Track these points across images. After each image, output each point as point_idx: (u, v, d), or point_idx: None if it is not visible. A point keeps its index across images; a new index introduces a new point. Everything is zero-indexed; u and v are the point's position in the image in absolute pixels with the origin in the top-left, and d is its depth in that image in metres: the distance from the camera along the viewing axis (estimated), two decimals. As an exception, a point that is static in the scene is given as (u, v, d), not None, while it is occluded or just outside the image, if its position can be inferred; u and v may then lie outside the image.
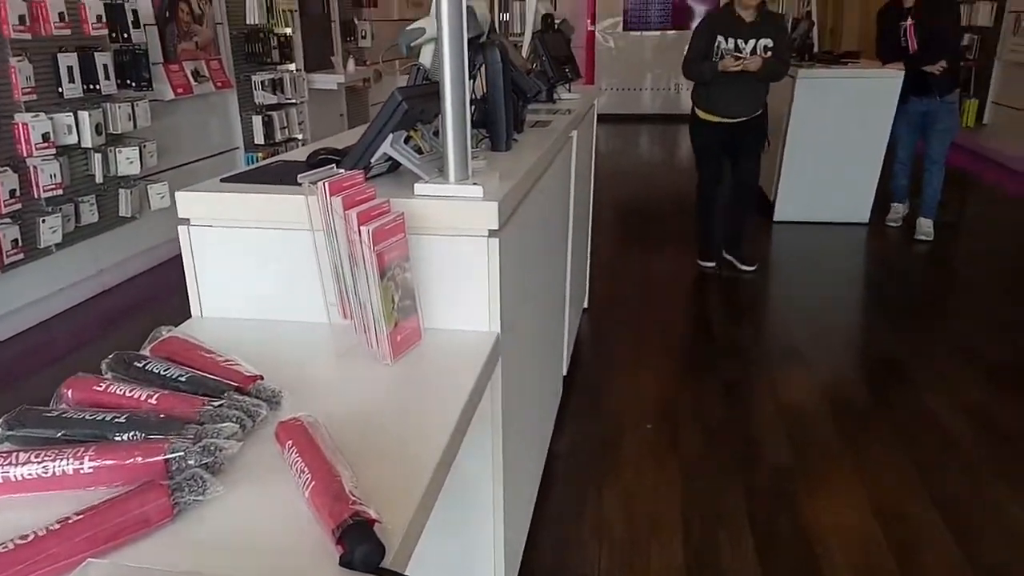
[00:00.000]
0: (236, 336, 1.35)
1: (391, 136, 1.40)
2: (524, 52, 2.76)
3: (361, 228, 1.21)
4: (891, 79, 4.68)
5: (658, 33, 10.25)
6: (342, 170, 1.31)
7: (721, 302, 3.92)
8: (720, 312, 3.80)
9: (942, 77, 4.48)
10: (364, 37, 6.73)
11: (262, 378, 1.11)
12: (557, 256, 2.50)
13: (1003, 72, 7.08)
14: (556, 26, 2.85)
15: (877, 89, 4.75)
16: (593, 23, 10.27)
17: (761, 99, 4.01)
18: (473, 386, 1.20)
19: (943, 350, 3.30)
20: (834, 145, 4.95)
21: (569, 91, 3.05)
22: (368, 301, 1.26)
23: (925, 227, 4.83)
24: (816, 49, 5.47)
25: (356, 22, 6.72)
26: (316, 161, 1.54)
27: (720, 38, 3.86)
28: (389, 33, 7.60)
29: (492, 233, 1.37)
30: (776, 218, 5.23)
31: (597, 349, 3.38)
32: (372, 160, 1.44)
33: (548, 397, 2.47)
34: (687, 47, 4.02)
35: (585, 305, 3.75)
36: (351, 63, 6.11)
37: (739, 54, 3.81)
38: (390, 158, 1.47)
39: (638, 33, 10.28)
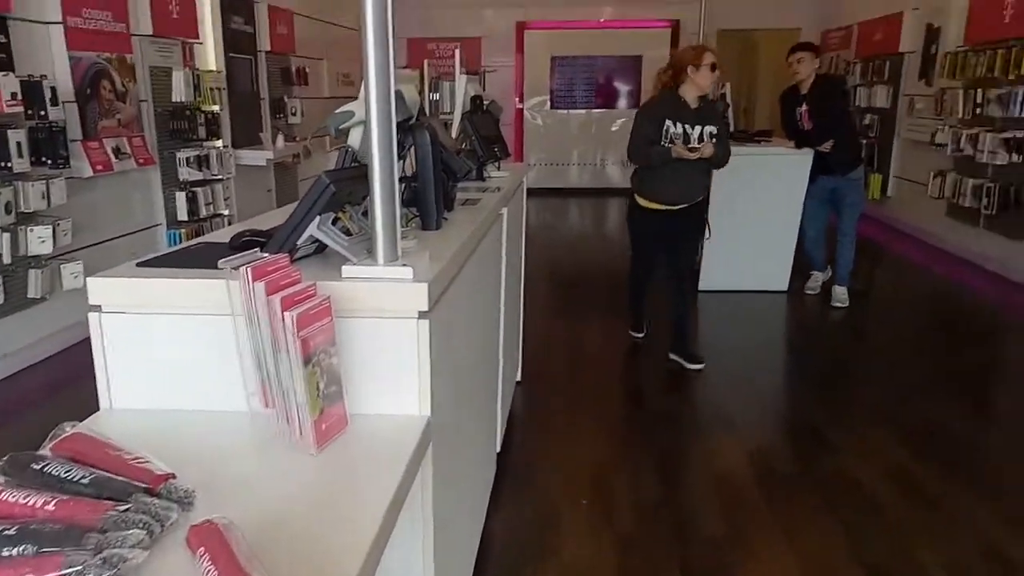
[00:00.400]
0: (148, 430, 1.28)
1: (318, 218, 1.39)
2: (454, 132, 2.81)
3: (285, 314, 1.17)
4: (801, 157, 4.97)
5: (583, 111, 10.67)
6: (266, 254, 1.28)
7: (653, 371, 3.96)
8: (652, 381, 3.84)
9: (842, 157, 4.81)
10: (294, 114, 6.76)
11: (174, 476, 1.04)
12: (490, 332, 2.49)
13: (902, 149, 7.63)
14: (485, 107, 2.93)
15: (789, 166, 5.02)
16: (521, 101, 10.62)
17: (705, 186, 3.95)
18: (402, 477, 1.16)
19: (861, 414, 3.41)
20: (753, 218, 5.18)
21: (499, 169, 3.10)
22: (291, 389, 1.21)
23: (840, 295, 5.06)
24: (732, 128, 5.77)
25: (286, 99, 6.75)
26: (239, 244, 1.50)
27: (668, 123, 3.69)
28: (319, 110, 7.66)
29: (422, 315, 1.35)
30: (701, 287, 5.38)
31: (531, 423, 3.35)
32: (298, 242, 1.42)
33: (481, 477, 2.42)
34: (631, 131, 3.79)
35: (518, 378, 3.74)
36: (280, 139, 6.11)
37: (695, 144, 3.69)
38: (317, 240, 1.46)
39: (565, 111, 10.67)
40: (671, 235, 3.87)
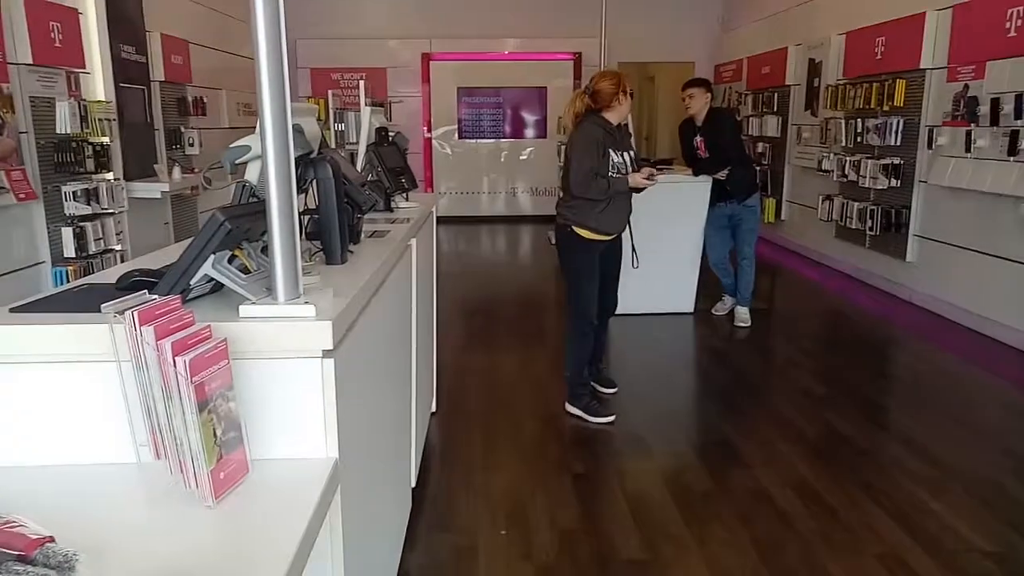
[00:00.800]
0: (25, 489, 1.18)
1: (213, 256, 1.33)
2: (359, 163, 2.78)
3: (176, 359, 1.11)
4: (702, 184, 5.17)
5: (492, 141, 10.79)
6: (155, 296, 1.21)
7: (566, 394, 3.98)
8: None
9: (738, 184, 5.05)
10: (191, 144, 6.52)
11: (52, 539, 0.96)
12: (401, 365, 2.44)
13: (793, 175, 8.07)
14: (391, 138, 2.91)
15: (690, 192, 5.22)
16: (429, 131, 10.64)
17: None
18: (308, 524, 1.11)
19: (768, 428, 3.53)
20: (657, 243, 5.31)
21: (407, 200, 3.08)
22: (185, 438, 1.15)
23: (742, 315, 5.27)
24: (635, 156, 5.95)
25: (183, 130, 6.51)
26: (127, 284, 1.42)
27: (611, 152, 3.55)
28: (219, 140, 7.42)
29: (326, 353, 1.31)
30: (612, 312, 5.48)
31: (447, 454, 3.30)
32: (192, 282, 1.35)
33: (396, 514, 2.35)
34: (573, 165, 3.54)
35: (433, 409, 3.69)
36: (177, 171, 5.87)
37: (654, 172, 3.65)
38: (212, 278, 1.39)
39: (473, 141, 10.76)
40: (612, 265, 3.77)
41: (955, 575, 2.35)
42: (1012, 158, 4.51)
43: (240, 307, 1.32)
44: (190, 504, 1.14)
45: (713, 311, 5.49)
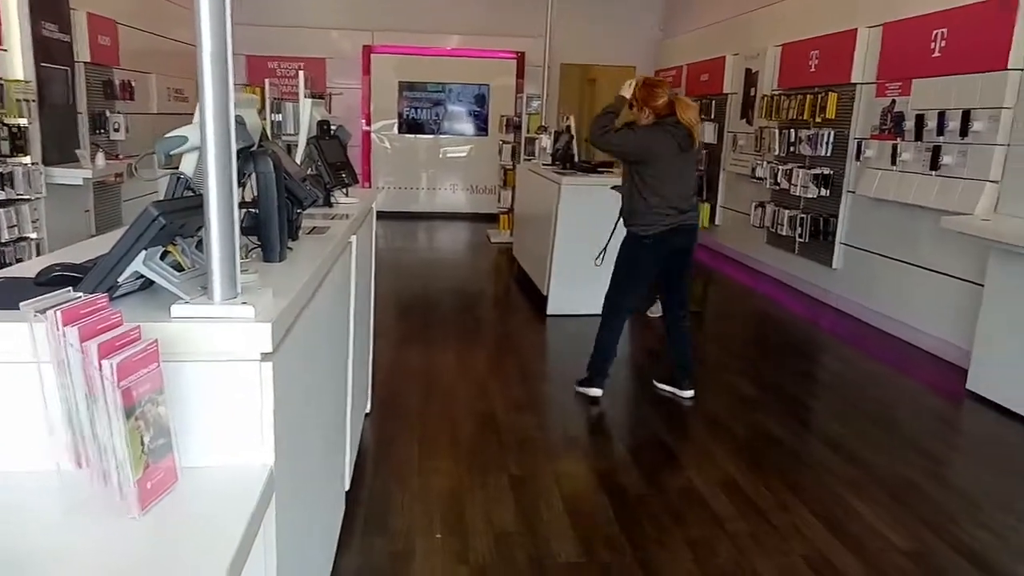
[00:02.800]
0: (-71, 501, 1.09)
1: (144, 253, 1.26)
2: (299, 157, 2.70)
3: (103, 362, 1.05)
4: (639, 186, 5.24)
5: (432, 137, 10.69)
6: (80, 294, 1.14)
7: (505, 394, 3.98)
8: (505, 404, 3.85)
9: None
10: (117, 130, 6.24)
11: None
12: (338, 366, 2.39)
13: (727, 181, 8.28)
14: (332, 132, 2.83)
15: (628, 195, 5.28)
16: (369, 124, 10.47)
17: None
18: (242, 536, 1.06)
19: (700, 430, 3.61)
20: (595, 245, 5.37)
21: (347, 195, 3.01)
22: (110, 445, 1.08)
23: (677, 317, 5.37)
24: (576, 159, 6.00)
25: (108, 114, 6.22)
26: (48, 280, 1.33)
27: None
28: (148, 126, 7.13)
29: (265, 356, 1.26)
30: (549, 312, 5.51)
31: (382, 456, 3.25)
32: (120, 279, 1.28)
33: (330, 518, 2.30)
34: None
35: (368, 409, 3.62)
36: (101, 157, 5.60)
37: None
38: (143, 275, 1.32)
39: (413, 136, 10.64)
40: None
41: (876, 574, 2.44)
42: (934, 172, 4.74)
43: (172, 307, 1.25)
44: (114, 516, 1.08)
45: (648, 313, 5.58)
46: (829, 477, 3.12)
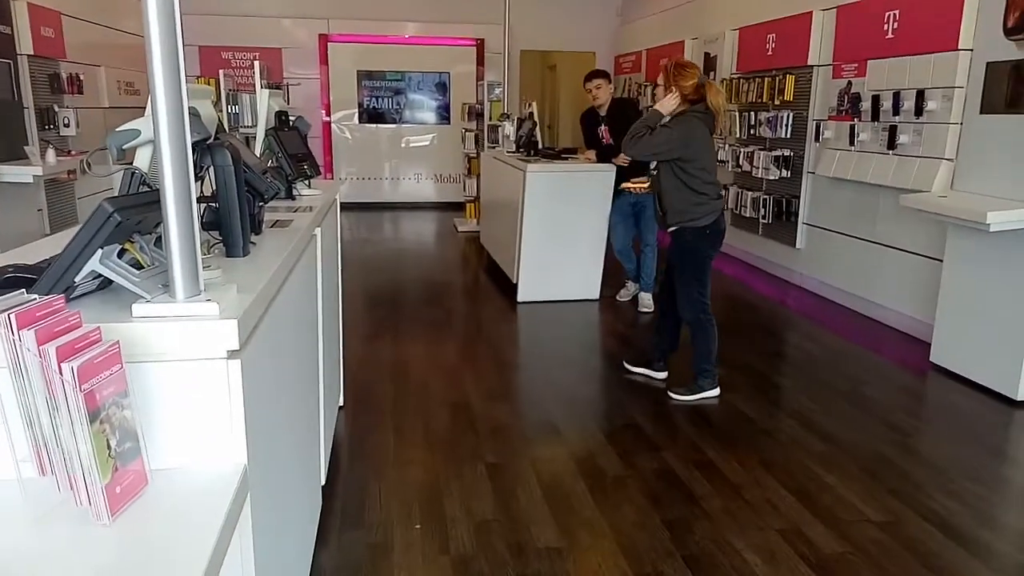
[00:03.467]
0: None
1: (100, 251, 1.21)
2: (257, 149, 2.63)
3: (62, 366, 1.00)
4: (605, 173, 5.25)
5: (393, 126, 10.57)
6: (35, 296, 1.09)
7: (478, 383, 3.97)
8: (478, 393, 3.84)
9: (638, 173, 5.15)
10: (67, 125, 6.05)
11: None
12: (308, 360, 2.34)
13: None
14: (292, 123, 2.77)
15: (595, 181, 5.29)
16: (328, 114, 10.32)
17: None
18: (217, 538, 1.03)
19: (673, 411, 3.64)
20: (563, 231, 5.39)
21: (309, 187, 2.96)
22: (75, 451, 1.04)
23: (646, 300, 5.40)
24: (540, 145, 5.98)
25: (57, 109, 6.02)
26: (1, 282, 1.27)
27: None
28: (99, 120, 6.93)
29: (232, 354, 1.22)
30: (519, 299, 5.50)
31: (357, 449, 3.21)
32: (77, 279, 1.23)
33: (306, 515, 2.26)
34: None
35: (340, 403, 3.58)
36: (51, 153, 5.42)
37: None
38: (100, 274, 1.27)
39: (374, 125, 10.51)
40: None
41: (850, 545, 2.49)
42: (891, 151, 4.82)
43: (133, 306, 1.21)
44: (83, 523, 1.04)
45: (618, 297, 5.61)
46: (801, 452, 3.17)
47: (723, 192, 3.78)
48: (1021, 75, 3.73)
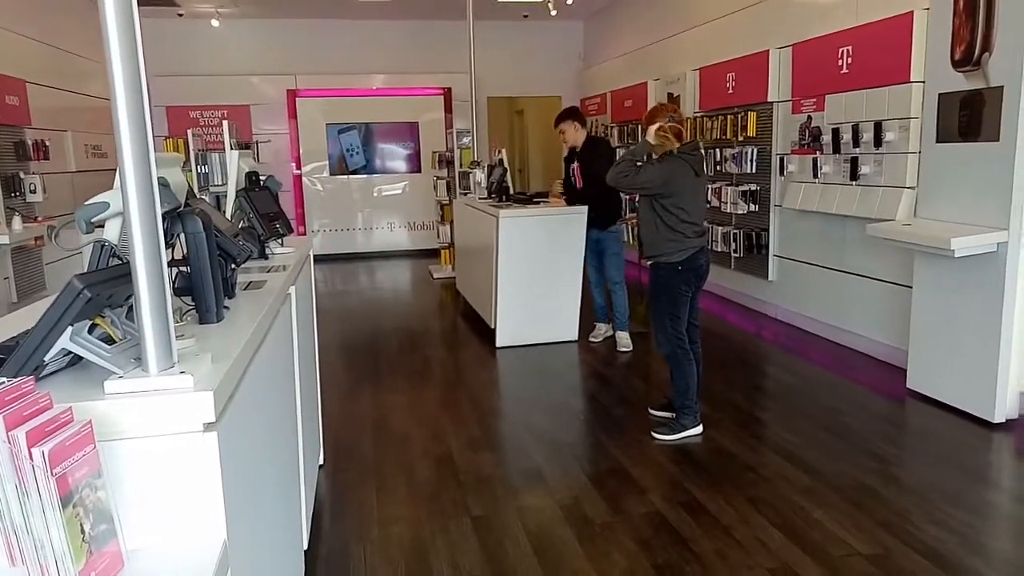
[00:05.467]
0: None
1: (71, 329, 1.19)
2: (229, 209, 2.62)
3: (33, 451, 0.98)
4: (577, 215, 5.31)
5: (364, 176, 10.62)
6: (3, 379, 1.06)
7: (459, 433, 3.92)
8: (460, 443, 3.80)
9: (603, 212, 5.23)
10: (34, 191, 5.99)
11: None
12: (286, 422, 2.30)
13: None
14: (263, 183, 2.77)
15: (568, 223, 5.35)
16: (299, 167, 10.34)
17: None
18: (198, 624, 0.99)
19: (657, 451, 3.62)
20: (538, 274, 5.42)
21: (282, 245, 2.94)
22: (47, 538, 1.01)
23: (623, 340, 5.42)
24: (511, 191, 6.04)
25: (22, 176, 5.97)
26: (-33, 364, 1.24)
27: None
28: (66, 186, 6.88)
29: (208, 427, 1.20)
30: (498, 344, 5.49)
31: (339, 509, 3.15)
32: (47, 358, 1.20)
33: (290, 583, 2.20)
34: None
35: (321, 461, 3.52)
36: (17, 221, 5.36)
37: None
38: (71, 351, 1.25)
39: (344, 177, 10.54)
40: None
41: (841, 580, 2.48)
42: (854, 182, 4.94)
43: (106, 382, 1.18)
44: (55, 616, 1.00)
45: (590, 339, 5.61)
46: (786, 487, 3.17)
47: (705, 231, 3.82)
48: (972, 105, 3.86)
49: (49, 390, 1.09)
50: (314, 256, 3.79)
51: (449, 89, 10.40)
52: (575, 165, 5.40)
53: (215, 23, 9.67)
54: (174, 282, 1.70)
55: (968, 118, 3.88)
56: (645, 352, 5.34)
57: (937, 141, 4.10)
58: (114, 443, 1.14)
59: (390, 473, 3.47)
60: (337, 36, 10.26)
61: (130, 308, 1.42)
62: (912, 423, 4.03)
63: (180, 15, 9.44)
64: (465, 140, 7.93)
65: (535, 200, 5.84)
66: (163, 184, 1.37)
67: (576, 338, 5.59)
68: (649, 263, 3.85)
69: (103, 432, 1.11)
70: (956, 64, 3.93)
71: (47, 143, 6.48)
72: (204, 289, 1.60)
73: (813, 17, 5.49)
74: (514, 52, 10.63)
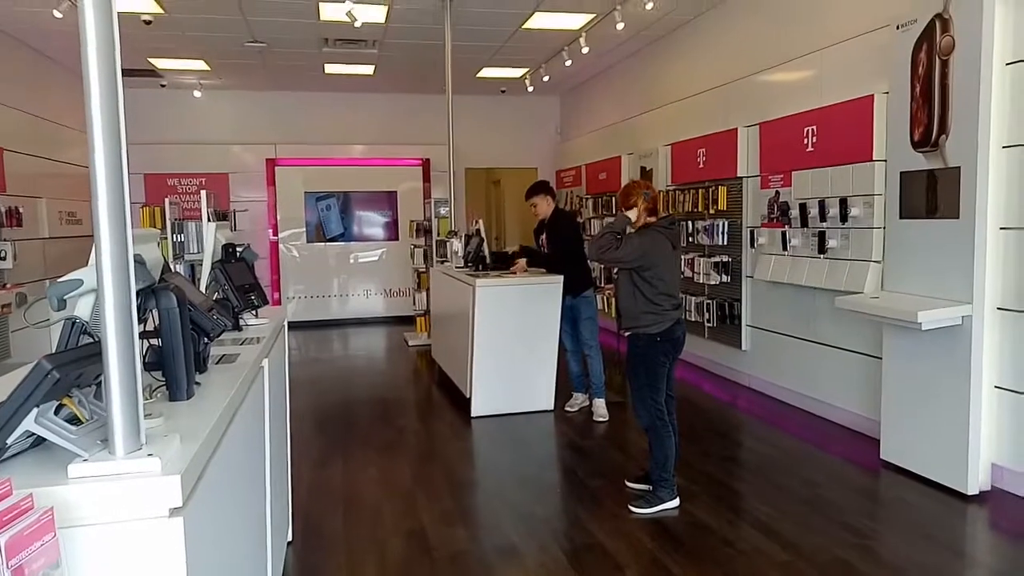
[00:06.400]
0: None
1: (36, 410, 1.16)
2: (203, 283, 2.61)
3: (-11, 542, 0.94)
4: (553, 284, 5.36)
5: (341, 244, 10.65)
6: (-38, 464, 1.04)
7: (432, 507, 3.84)
8: (433, 518, 3.71)
9: (574, 279, 5.31)
10: (3, 258, 5.92)
11: None
12: (255, 503, 2.24)
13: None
14: (238, 255, 2.77)
15: (543, 292, 5.39)
16: (275, 234, 10.36)
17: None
18: None
19: (634, 526, 3.56)
20: (514, 343, 5.42)
21: (256, 316, 2.93)
22: (-2, 636, 0.96)
23: (600, 408, 5.40)
24: (488, 260, 6.09)
25: (-6, 242, 5.92)
26: (-76, 447, 1.21)
27: None
28: (37, 253, 6.82)
29: (174, 512, 1.17)
30: (473, 414, 5.43)
31: (307, 590, 3.03)
32: (9, 440, 1.17)
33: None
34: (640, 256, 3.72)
35: (289, 538, 3.41)
36: (-14, 288, 5.28)
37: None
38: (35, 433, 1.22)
39: (322, 244, 10.57)
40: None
41: (822, 663, 2.42)
42: (822, 255, 5.06)
43: (70, 466, 1.15)
44: None
45: (566, 408, 5.58)
46: (764, 562, 3.12)
47: (680, 304, 3.87)
48: (932, 184, 4.01)
49: (10, 475, 1.06)
50: (289, 323, 3.77)
51: (428, 160, 10.58)
52: (543, 237, 5.56)
53: (197, 94, 9.82)
54: (145, 356, 1.68)
55: (929, 196, 4.03)
56: (622, 422, 5.32)
57: (901, 217, 4.24)
58: (75, 529, 1.11)
59: (361, 550, 3.37)
60: (318, 107, 10.46)
61: (98, 387, 1.39)
62: (887, 495, 4.02)
63: (163, 86, 9.58)
64: (443, 210, 8.03)
65: (512, 269, 5.86)
66: (139, 262, 1.37)
67: (552, 407, 5.56)
68: (627, 334, 3.87)
69: (64, 518, 1.08)
70: (915, 145, 4.10)
71: (20, 210, 6.45)
72: (175, 366, 1.58)
73: (779, 98, 5.72)
74: (492, 125, 10.90)
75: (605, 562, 3.20)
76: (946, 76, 3.89)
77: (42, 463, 1.22)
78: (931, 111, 3.99)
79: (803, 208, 5.21)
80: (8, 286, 5.82)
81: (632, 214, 3.79)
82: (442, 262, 7.33)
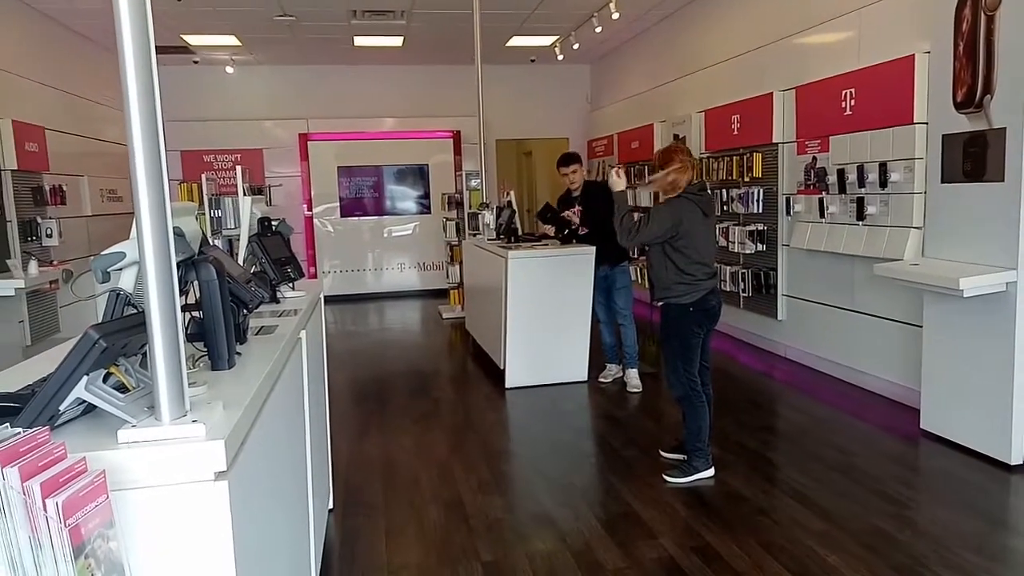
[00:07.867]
0: None
1: (86, 378, 1.21)
2: (241, 255, 2.66)
3: (47, 502, 0.99)
4: (585, 255, 5.34)
5: (374, 218, 10.73)
6: (19, 429, 1.08)
7: (469, 476, 3.90)
8: (470, 487, 3.77)
9: (611, 251, 5.25)
10: (50, 236, 6.09)
11: None
12: (297, 468, 2.30)
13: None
14: (275, 228, 2.82)
15: (575, 263, 5.37)
16: (310, 209, 10.47)
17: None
18: (206, 677, 0.99)
19: (669, 494, 3.58)
20: (547, 315, 5.43)
21: (293, 289, 2.98)
22: (58, 591, 1.01)
23: (633, 379, 5.40)
24: (520, 232, 6.09)
25: (39, 220, 6.08)
26: (-18, 414, 1.26)
27: None
28: (81, 229, 7.00)
29: (219, 475, 1.21)
30: (507, 385, 5.48)
31: (348, 554, 3.12)
32: (61, 407, 1.22)
33: (298, 632, 2.17)
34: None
35: (330, 505, 3.50)
36: (33, 265, 5.44)
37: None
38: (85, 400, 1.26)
39: (356, 218, 10.66)
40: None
41: (858, 629, 2.42)
42: (860, 222, 4.96)
43: (119, 432, 1.20)
44: (64, 669, 1.00)
45: (600, 379, 5.59)
46: (800, 532, 3.12)
47: (714, 273, 3.82)
48: (975, 146, 3.89)
49: (64, 439, 1.10)
50: (325, 297, 3.83)
51: (458, 132, 10.56)
52: (576, 209, 5.46)
53: (229, 70, 9.90)
54: (187, 328, 1.72)
55: (972, 159, 3.91)
56: (655, 393, 5.32)
57: (942, 181, 4.12)
58: (126, 492, 1.15)
59: (399, 517, 3.44)
60: (348, 81, 10.48)
61: (144, 356, 1.44)
62: (927, 465, 3.98)
63: (196, 62, 9.68)
64: (474, 182, 8.02)
65: (543, 242, 5.84)
66: (178, 234, 1.40)
67: (586, 378, 5.57)
68: (660, 304, 3.85)
69: (115, 481, 1.12)
70: (958, 106, 3.97)
71: (64, 188, 6.61)
72: (216, 336, 1.62)
73: (815, 60, 5.57)
74: (522, 95, 10.81)
75: (639, 530, 3.22)
76: (991, 33, 3.74)
77: (93, 429, 1.26)
78: (975, 70, 3.85)
79: (841, 174, 5.10)
80: (55, 263, 5.99)
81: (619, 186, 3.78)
82: (474, 235, 7.34)
